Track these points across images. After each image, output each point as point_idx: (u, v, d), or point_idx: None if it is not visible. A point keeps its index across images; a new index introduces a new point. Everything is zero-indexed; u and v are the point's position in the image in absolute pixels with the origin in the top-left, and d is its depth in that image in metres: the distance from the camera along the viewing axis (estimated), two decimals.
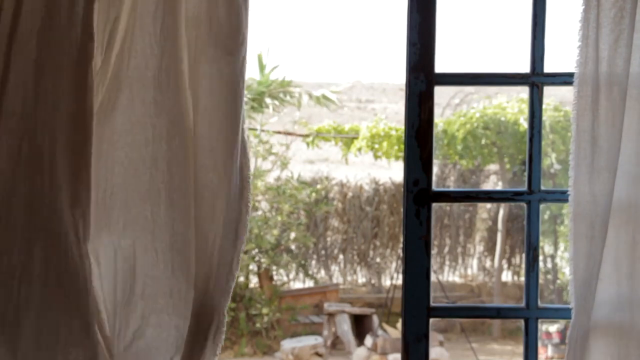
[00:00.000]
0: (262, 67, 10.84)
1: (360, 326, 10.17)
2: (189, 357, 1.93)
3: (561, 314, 2.62)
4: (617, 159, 2.32)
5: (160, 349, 1.99)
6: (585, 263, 2.34)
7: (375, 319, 10.09)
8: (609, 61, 2.31)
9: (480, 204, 12.45)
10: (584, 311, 2.34)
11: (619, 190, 2.32)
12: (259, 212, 10.84)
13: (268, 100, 10.63)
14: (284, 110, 11.12)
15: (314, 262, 12.34)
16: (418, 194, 2.52)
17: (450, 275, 12.78)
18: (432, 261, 2.52)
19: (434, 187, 2.53)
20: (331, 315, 10.15)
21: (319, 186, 11.68)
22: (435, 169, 11.79)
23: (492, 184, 12.75)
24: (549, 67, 2.53)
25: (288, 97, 10.76)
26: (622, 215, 2.33)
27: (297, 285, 11.95)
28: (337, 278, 12.43)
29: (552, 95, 11.41)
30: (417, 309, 2.53)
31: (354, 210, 12.40)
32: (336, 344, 10.12)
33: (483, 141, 10.97)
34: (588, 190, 2.33)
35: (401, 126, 11.82)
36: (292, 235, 11.00)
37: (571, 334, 2.35)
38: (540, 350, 9.60)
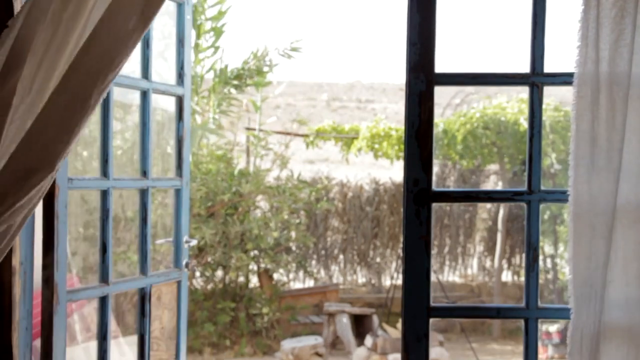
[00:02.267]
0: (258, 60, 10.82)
1: (360, 326, 10.16)
2: None
3: (561, 314, 2.62)
4: (618, 159, 2.31)
5: None
6: (586, 263, 2.32)
7: (375, 319, 10.09)
8: (609, 61, 2.30)
9: (480, 204, 12.45)
10: (587, 312, 2.32)
11: (625, 191, 2.31)
12: (259, 212, 10.83)
13: (245, 74, 10.61)
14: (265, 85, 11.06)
15: (314, 262, 12.34)
16: (418, 194, 2.52)
17: (450, 275, 12.78)
18: (432, 261, 2.51)
19: (434, 187, 2.54)
20: (331, 315, 10.15)
21: (319, 185, 11.67)
22: (435, 169, 11.77)
23: (492, 184, 12.74)
24: (549, 67, 2.53)
25: (264, 67, 10.72)
26: (630, 216, 2.32)
27: (297, 285, 11.94)
28: (337, 278, 12.42)
29: (552, 95, 11.39)
30: (417, 309, 2.53)
31: (354, 210, 12.39)
32: (336, 344, 10.12)
33: (483, 141, 10.96)
34: (587, 190, 2.32)
35: (401, 126, 11.80)
36: (292, 235, 10.99)
37: (573, 334, 2.33)
38: (540, 350, 9.60)
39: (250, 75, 10.54)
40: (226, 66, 10.54)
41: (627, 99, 2.30)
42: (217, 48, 10.43)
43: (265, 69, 10.65)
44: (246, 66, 10.55)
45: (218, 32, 10.35)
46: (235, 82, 10.47)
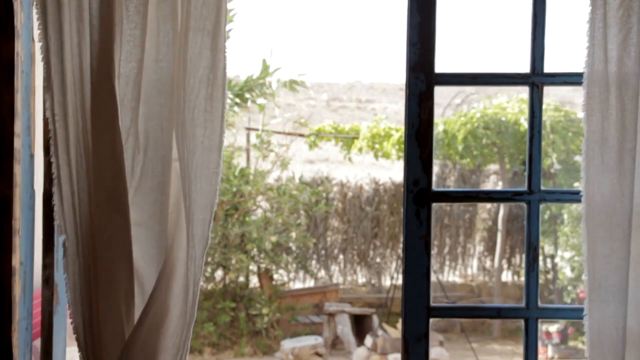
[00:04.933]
0: (265, 68, 10.84)
1: (360, 326, 10.17)
2: None
3: (561, 314, 2.62)
4: (628, 159, 2.28)
5: None
6: (601, 265, 2.29)
7: (375, 319, 10.09)
8: (617, 61, 2.28)
9: (480, 204, 12.45)
10: (607, 315, 2.29)
11: (637, 192, 2.28)
12: (259, 212, 10.83)
13: (247, 95, 10.69)
14: (266, 103, 11.14)
15: (314, 262, 12.34)
16: (418, 194, 2.52)
17: (450, 275, 12.78)
18: (432, 261, 2.52)
19: (434, 187, 2.53)
20: (331, 315, 10.15)
21: (320, 188, 11.68)
22: (435, 169, 11.78)
23: (492, 184, 12.75)
24: (549, 67, 2.52)
25: (264, 89, 10.80)
26: None
27: (297, 285, 11.95)
28: (337, 278, 12.43)
29: (552, 95, 11.41)
30: (417, 309, 2.52)
31: (354, 210, 12.40)
32: (336, 344, 10.12)
33: (483, 141, 10.97)
34: (598, 190, 2.29)
35: (401, 126, 11.81)
36: (292, 235, 10.99)
37: (592, 338, 2.29)
38: (540, 350, 9.60)
39: (252, 97, 10.67)
40: (229, 81, 10.63)
41: (637, 98, 2.28)
42: None
43: (264, 89, 10.76)
44: (249, 82, 10.63)
45: None
46: (238, 100, 10.56)
